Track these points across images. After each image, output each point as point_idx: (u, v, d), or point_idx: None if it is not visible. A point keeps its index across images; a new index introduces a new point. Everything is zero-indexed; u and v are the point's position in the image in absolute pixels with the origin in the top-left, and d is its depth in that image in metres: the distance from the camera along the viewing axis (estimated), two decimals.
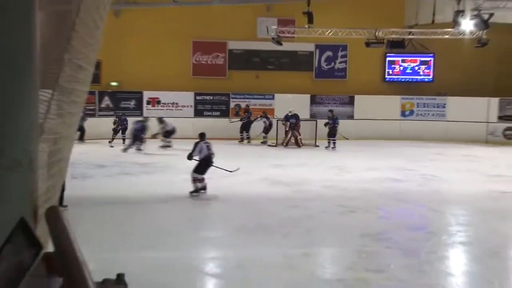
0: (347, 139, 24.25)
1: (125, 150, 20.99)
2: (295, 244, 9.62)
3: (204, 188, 13.42)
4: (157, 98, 26.34)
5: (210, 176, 15.89)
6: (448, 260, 9.42)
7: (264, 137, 24.47)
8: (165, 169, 17.43)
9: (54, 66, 3.50)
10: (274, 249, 9.28)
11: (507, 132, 26.25)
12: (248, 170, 17.31)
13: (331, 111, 24.30)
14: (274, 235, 10.16)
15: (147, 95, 26.28)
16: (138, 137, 21.31)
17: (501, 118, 26.48)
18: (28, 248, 1.56)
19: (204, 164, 13.50)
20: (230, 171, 14.43)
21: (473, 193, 14.60)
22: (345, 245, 9.75)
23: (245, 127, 25.05)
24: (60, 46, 3.62)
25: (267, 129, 24.65)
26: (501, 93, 26.48)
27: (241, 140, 25.01)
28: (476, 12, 19.55)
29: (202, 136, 13.96)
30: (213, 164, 13.64)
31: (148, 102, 26.34)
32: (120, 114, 24.07)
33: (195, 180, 13.30)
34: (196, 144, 13.66)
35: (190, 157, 13.54)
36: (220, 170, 14.09)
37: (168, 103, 26.36)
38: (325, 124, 23.49)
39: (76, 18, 3.51)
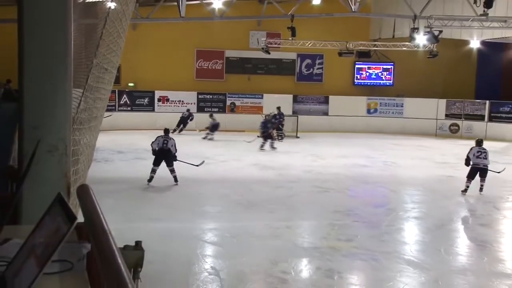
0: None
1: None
2: (279, 218, 9.64)
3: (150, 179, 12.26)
4: (167, 96, 26.19)
5: (207, 161, 15.91)
6: (404, 231, 9.48)
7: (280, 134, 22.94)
8: None
9: (85, 69, 3.48)
10: (262, 222, 9.30)
11: (452, 127, 26.33)
12: (241, 157, 17.31)
13: (278, 108, 22.93)
14: (262, 211, 10.18)
15: (158, 94, 26.12)
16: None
17: (448, 115, 26.55)
18: (64, 219, 1.55)
19: (159, 156, 12.41)
20: (196, 165, 13.40)
21: (424, 177, 14.67)
22: (320, 219, 9.78)
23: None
24: (89, 52, 3.60)
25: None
26: (448, 95, 26.58)
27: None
28: (428, 29, 19.54)
29: (165, 131, 13.06)
30: (178, 159, 12.62)
31: (159, 100, 26.18)
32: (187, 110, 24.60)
33: (152, 171, 12.35)
34: (156, 137, 12.62)
35: (154, 151, 12.43)
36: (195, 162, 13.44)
37: (175, 101, 26.23)
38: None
39: (103, 29, 3.49)
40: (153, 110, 25.90)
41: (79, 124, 3.02)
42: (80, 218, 2.09)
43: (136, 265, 2.09)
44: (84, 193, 2.17)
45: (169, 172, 12.34)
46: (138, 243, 2.12)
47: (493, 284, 6.72)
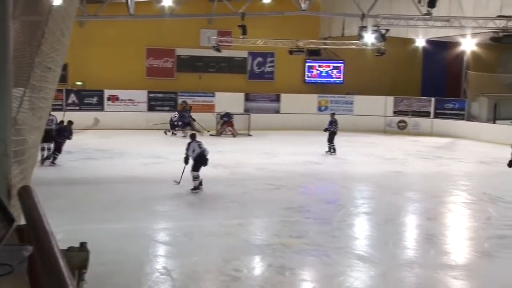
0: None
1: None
2: (232, 216, 9.66)
3: (200, 184, 11.79)
4: (116, 95, 25.76)
5: (160, 161, 15.77)
6: (354, 226, 9.67)
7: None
8: (122, 154, 17.12)
9: (26, 68, 3.38)
10: (215, 221, 9.30)
11: (400, 124, 26.99)
12: None
13: (332, 114, 19.74)
14: (215, 209, 10.19)
15: (107, 93, 25.66)
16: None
17: (396, 112, 27.20)
18: (1, 221, 1.51)
19: (199, 161, 11.92)
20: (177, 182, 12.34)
21: (373, 173, 14.99)
22: (273, 216, 9.86)
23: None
24: (31, 51, 3.50)
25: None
26: (395, 93, 27.23)
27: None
28: (376, 28, 19.96)
29: (192, 136, 12.54)
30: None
31: (109, 99, 25.72)
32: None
33: (194, 178, 11.74)
34: (188, 145, 12.17)
35: (186, 159, 11.94)
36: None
37: (125, 100, 25.83)
38: (325, 130, 18.88)
39: (46, 28, 3.40)
40: (102, 109, 25.42)
41: (21, 125, 2.94)
42: (23, 221, 2.04)
43: (81, 267, 2.05)
44: (26, 194, 2.11)
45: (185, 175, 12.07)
46: (83, 244, 2.08)
47: (438, 276, 6.94)
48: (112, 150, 18.01)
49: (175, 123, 23.38)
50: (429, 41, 25.15)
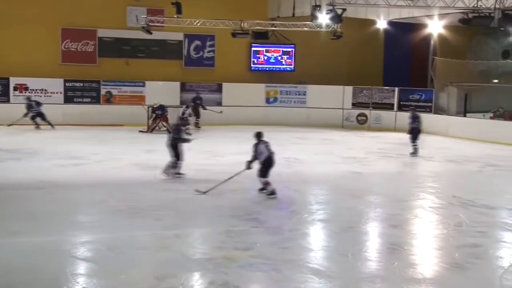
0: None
1: None
2: (167, 226, 9.60)
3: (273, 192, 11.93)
4: (25, 84, 25.08)
5: (79, 162, 15.50)
6: (309, 236, 9.79)
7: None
8: (33, 155, 16.69)
9: None
10: (146, 231, 9.21)
11: (360, 118, 27.53)
12: (120, 155, 17.00)
13: (412, 109, 19.77)
14: (146, 218, 10.08)
15: (14, 81, 24.95)
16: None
17: (355, 105, 27.72)
18: None
19: (267, 166, 12.04)
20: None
21: (330, 174, 15.22)
22: (215, 226, 9.85)
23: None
24: None
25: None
26: (354, 82, 27.75)
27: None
28: (331, 7, 20.25)
29: (259, 135, 12.45)
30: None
31: (16, 88, 25.02)
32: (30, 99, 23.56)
33: (265, 184, 11.96)
34: (255, 146, 12.17)
35: (250, 164, 12.09)
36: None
37: (36, 90, 25.18)
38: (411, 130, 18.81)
39: None
40: (8, 101, 24.70)
41: None
42: None
43: None
44: None
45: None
46: None
47: None
48: (20, 149, 17.52)
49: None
50: (391, 23, 25.81)
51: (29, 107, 23.13)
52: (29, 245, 8.28)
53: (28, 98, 23.60)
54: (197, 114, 25.02)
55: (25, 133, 21.41)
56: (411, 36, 27.39)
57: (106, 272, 7.39)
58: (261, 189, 12.19)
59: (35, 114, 23.05)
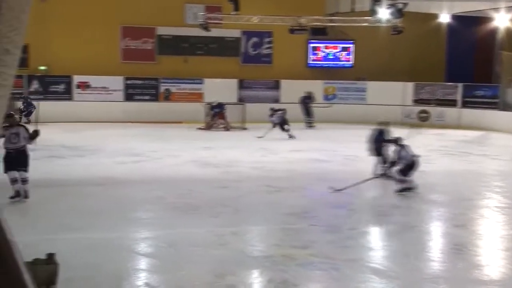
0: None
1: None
2: (224, 223, 9.64)
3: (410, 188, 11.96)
4: (87, 82, 25.73)
5: (139, 159, 15.77)
6: (369, 235, 9.66)
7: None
8: (95, 152, 17.08)
9: None
10: (204, 228, 9.27)
11: (421, 115, 27.03)
12: (178, 152, 17.20)
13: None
14: (204, 215, 10.15)
15: (76, 79, 25.62)
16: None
17: (416, 101, 27.24)
18: None
19: (410, 166, 12.00)
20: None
21: None
22: (272, 224, 9.84)
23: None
24: None
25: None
26: (415, 78, 27.21)
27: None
28: (391, 2, 19.97)
29: (397, 140, 12.42)
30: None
31: (78, 87, 25.69)
32: (27, 97, 23.67)
33: (402, 182, 12.00)
34: (398, 152, 12.07)
35: (389, 168, 12.26)
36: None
37: (98, 87, 25.80)
38: None
39: (2, 2, 3.36)
40: (71, 98, 25.38)
41: None
42: None
43: (49, 282, 2.03)
44: None
45: None
46: (50, 256, 2.06)
47: None
48: (83, 146, 17.96)
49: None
50: (454, 17, 25.19)
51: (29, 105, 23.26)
52: (90, 241, 8.46)
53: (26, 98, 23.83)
54: (308, 114, 24.86)
55: (87, 130, 21.91)
56: (475, 30, 26.65)
57: (166, 268, 7.48)
58: (401, 190, 11.88)
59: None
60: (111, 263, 7.52)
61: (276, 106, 22.63)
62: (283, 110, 21.48)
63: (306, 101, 25.17)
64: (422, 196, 12.24)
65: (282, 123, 20.83)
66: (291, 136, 20.60)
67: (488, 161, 17.32)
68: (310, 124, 24.73)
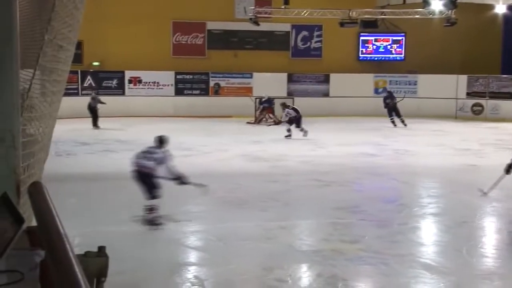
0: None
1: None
2: (273, 217, 9.66)
3: None
4: (139, 77, 26.15)
5: (189, 153, 15.94)
6: (419, 230, 9.54)
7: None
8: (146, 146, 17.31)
9: (35, 46, 3.45)
10: (253, 222, 9.32)
11: (475, 108, 26.49)
12: (227, 147, 17.32)
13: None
14: (252, 209, 10.20)
15: (128, 74, 26.06)
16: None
17: (469, 94, 26.70)
18: (10, 222, 1.54)
19: None
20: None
21: (442, 166, 14.75)
22: (321, 218, 9.82)
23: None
24: (41, 27, 3.57)
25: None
26: (468, 70, 26.65)
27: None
28: None
29: None
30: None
31: (130, 81, 26.13)
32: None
33: None
34: None
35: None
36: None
37: (149, 82, 26.18)
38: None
39: (56, 0, 3.45)
40: (123, 93, 25.83)
41: (31, 112, 3.01)
42: (34, 222, 2.09)
43: (99, 274, 2.08)
44: (36, 192, 2.16)
45: None
46: (101, 249, 2.11)
47: None
48: (134, 141, 18.20)
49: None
50: (511, 7, 24.52)
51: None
52: (140, 233, 8.63)
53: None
54: (397, 113, 23.37)
55: (138, 124, 22.24)
56: None
57: (215, 261, 7.56)
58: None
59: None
60: (161, 256, 7.64)
61: (288, 102, 21.90)
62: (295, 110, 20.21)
63: (387, 101, 23.66)
64: (474, 191, 11.99)
65: (291, 123, 19.82)
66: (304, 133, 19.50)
67: None
68: (403, 123, 23.19)
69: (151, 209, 9.11)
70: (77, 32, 4.64)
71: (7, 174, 2.38)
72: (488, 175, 13.69)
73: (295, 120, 19.58)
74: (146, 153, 9.65)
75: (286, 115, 20.00)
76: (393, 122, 22.86)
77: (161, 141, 9.82)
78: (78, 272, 1.47)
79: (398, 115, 22.92)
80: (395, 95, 23.80)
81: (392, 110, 23.18)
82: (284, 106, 20.55)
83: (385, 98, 23.72)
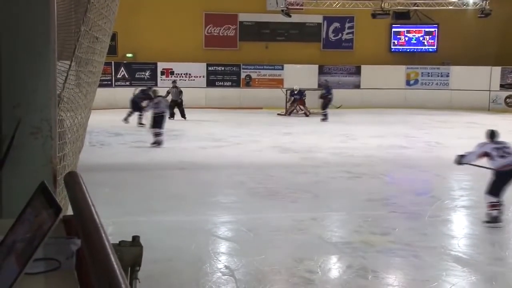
0: (338, 107, 24.15)
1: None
2: (303, 209, 9.66)
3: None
4: (171, 69, 26.30)
5: (220, 144, 16.00)
6: (451, 223, 9.44)
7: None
8: (178, 137, 17.46)
9: (71, 38, 3.49)
10: (283, 214, 9.33)
11: (509, 100, 26.05)
12: (258, 138, 17.33)
13: (326, 80, 24.35)
14: (283, 200, 10.21)
15: (161, 66, 26.23)
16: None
17: (503, 86, 26.26)
18: (48, 211, 1.56)
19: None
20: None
21: None
22: (352, 210, 9.78)
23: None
24: (77, 18, 3.61)
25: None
26: (503, 62, 26.22)
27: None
28: None
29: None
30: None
31: (162, 73, 26.31)
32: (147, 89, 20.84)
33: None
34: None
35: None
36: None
37: (181, 74, 26.31)
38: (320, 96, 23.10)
39: None
40: (156, 84, 25.99)
41: (67, 103, 3.05)
42: (70, 211, 2.12)
43: (134, 264, 2.11)
44: (72, 181, 2.19)
45: None
46: (135, 238, 2.14)
47: None
48: (166, 132, 18.37)
49: None
50: None
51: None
52: (172, 223, 8.68)
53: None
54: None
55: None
56: None
57: (245, 252, 7.57)
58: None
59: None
60: (192, 246, 7.69)
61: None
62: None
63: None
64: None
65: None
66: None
67: None
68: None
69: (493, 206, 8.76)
70: (112, 24, 4.68)
71: (44, 163, 2.41)
72: None
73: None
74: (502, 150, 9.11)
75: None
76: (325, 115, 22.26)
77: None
78: (113, 261, 1.48)
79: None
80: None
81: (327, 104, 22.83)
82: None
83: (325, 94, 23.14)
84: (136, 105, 19.76)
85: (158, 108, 15.62)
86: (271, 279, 6.74)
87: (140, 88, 20.91)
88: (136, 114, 19.60)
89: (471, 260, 7.29)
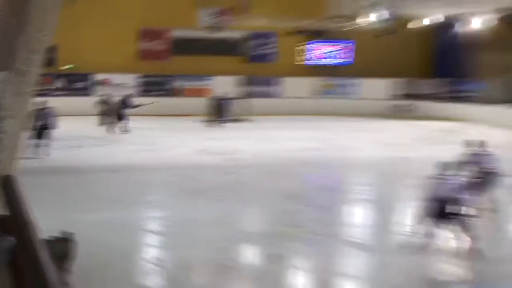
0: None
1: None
2: (228, 205, 9.75)
3: None
4: (107, 79, 25.84)
5: (150, 148, 15.84)
6: (355, 215, 9.84)
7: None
8: (113, 142, 17.16)
9: (10, 50, 3.44)
10: (209, 210, 9.39)
11: (408, 108, 27.20)
12: (186, 143, 17.18)
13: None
14: (210, 198, 10.25)
15: (98, 76, 25.74)
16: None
17: (402, 96, 27.50)
18: None
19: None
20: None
21: (377, 159, 15.02)
22: (271, 205, 9.97)
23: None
24: (16, 31, 3.56)
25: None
26: (404, 74, 27.46)
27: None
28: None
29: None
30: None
31: (99, 83, 25.80)
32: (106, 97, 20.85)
33: None
34: None
35: None
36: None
37: (117, 84, 25.84)
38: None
39: (31, 6, 3.45)
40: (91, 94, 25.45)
41: (5, 110, 3.02)
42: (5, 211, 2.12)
43: (65, 257, 2.14)
44: (8, 184, 2.20)
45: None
46: (66, 234, 2.17)
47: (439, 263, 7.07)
48: (103, 137, 18.02)
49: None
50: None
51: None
52: (106, 220, 8.59)
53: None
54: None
55: None
56: (461, 29, 26.32)
57: (174, 244, 7.64)
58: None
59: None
60: (126, 240, 7.67)
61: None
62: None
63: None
64: (403, 180, 12.23)
65: None
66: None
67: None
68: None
69: None
70: (50, 37, 4.62)
71: None
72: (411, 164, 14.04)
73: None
74: None
75: None
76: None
77: None
78: (45, 256, 1.51)
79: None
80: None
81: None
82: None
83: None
84: (119, 114, 19.04)
85: None
86: (196, 268, 6.85)
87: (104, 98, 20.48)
88: (122, 122, 18.95)
89: (368, 245, 7.77)
